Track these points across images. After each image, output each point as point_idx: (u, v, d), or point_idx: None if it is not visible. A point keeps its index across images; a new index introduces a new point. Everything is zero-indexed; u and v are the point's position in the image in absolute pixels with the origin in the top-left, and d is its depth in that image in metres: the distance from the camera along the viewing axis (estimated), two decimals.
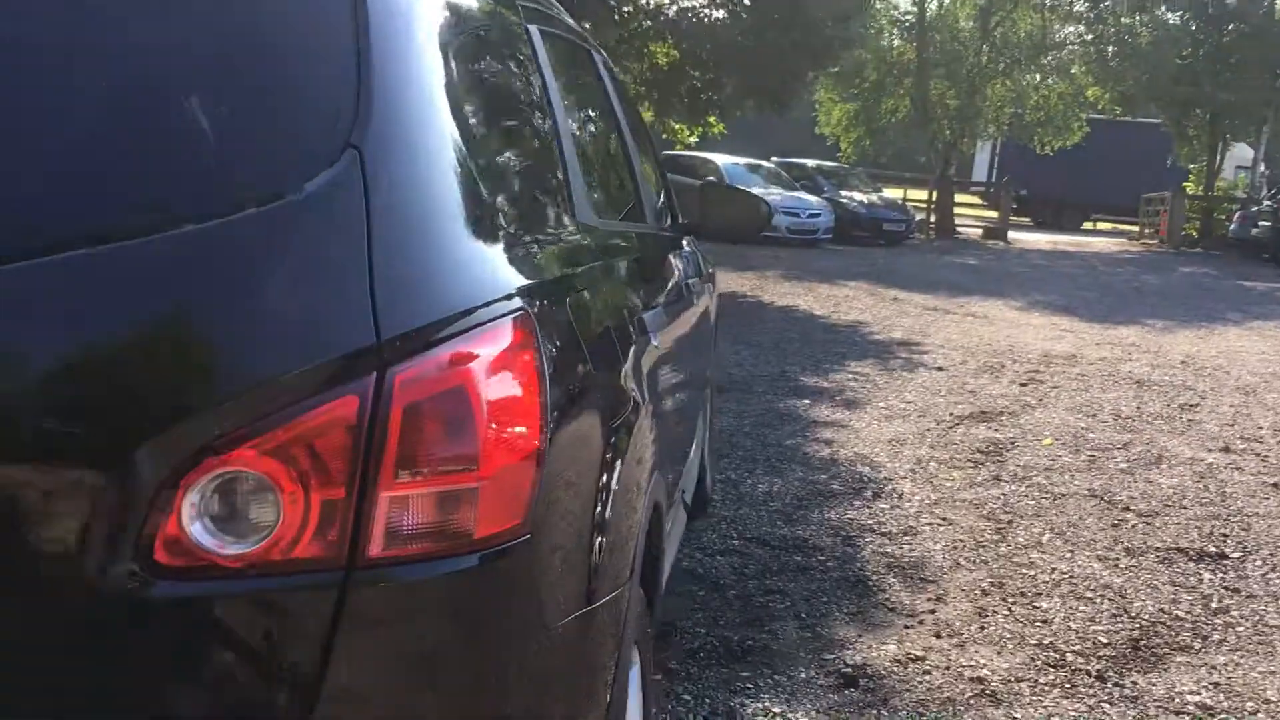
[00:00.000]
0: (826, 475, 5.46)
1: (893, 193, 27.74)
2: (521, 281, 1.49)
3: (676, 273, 3.24)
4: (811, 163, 25.38)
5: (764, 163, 22.96)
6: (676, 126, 17.12)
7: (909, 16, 27.25)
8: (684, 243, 3.95)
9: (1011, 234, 27.52)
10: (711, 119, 16.03)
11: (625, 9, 14.14)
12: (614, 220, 2.58)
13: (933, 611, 3.82)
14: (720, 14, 14.49)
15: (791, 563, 4.25)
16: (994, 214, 30.70)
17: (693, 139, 18.30)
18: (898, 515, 4.87)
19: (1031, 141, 29.18)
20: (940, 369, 8.54)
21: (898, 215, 23.69)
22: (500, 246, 1.51)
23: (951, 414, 6.91)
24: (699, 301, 3.69)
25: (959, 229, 28.52)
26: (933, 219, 27.72)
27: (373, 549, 1.22)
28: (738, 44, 13.33)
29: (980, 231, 28.20)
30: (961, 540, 4.58)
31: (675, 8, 14.94)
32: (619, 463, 1.73)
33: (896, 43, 27.88)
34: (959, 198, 31.13)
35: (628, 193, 3.02)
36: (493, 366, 1.33)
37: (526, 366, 1.41)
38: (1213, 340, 10.87)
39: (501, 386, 1.34)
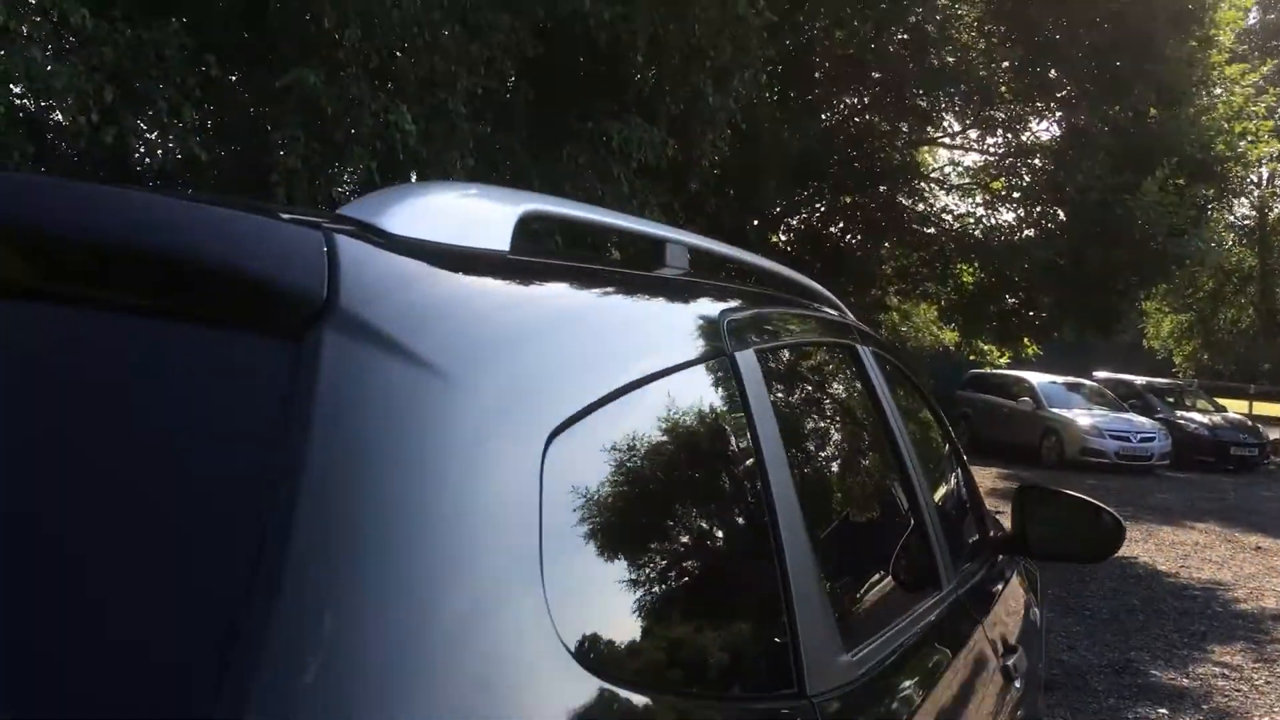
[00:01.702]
0: None
1: (1233, 406, 24.83)
2: None
3: (984, 655, 2.26)
4: (1140, 379, 23.13)
5: (1085, 380, 21.09)
6: (985, 347, 15.93)
7: (1247, 221, 24.95)
8: (995, 566, 2.96)
9: None
10: (1025, 341, 14.76)
11: (928, 230, 13.41)
12: (875, 639, 1.65)
13: None
14: (1030, 232, 13.46)
15: None
16: None
17: (1004, 360, 17.00)
18: None
19: None
20: None
21: (1248, 438, 20.91)
22: None
23: None
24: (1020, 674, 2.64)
25: None
26: None
27: None
28: (1054, 264, 12.21)
29: None
30: None
31: (982, 227, 14.03)
32: None
33: (1234, 249, 25.53)
34: None
35: (914, 561, 2.12)
36: None
37: None
38: None
39: None
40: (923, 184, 13.97)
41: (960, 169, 16.29)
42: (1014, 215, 13.62)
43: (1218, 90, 14.02)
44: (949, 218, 14.46)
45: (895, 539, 2.11)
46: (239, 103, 7.16)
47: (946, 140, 15.80)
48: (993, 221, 14.00)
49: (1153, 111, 12.85)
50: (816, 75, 12.97)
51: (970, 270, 13.87)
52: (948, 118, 15.24)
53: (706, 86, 8.78)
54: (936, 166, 15.89)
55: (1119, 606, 8.27)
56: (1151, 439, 18.95)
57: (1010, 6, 14.56)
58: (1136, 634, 7.37)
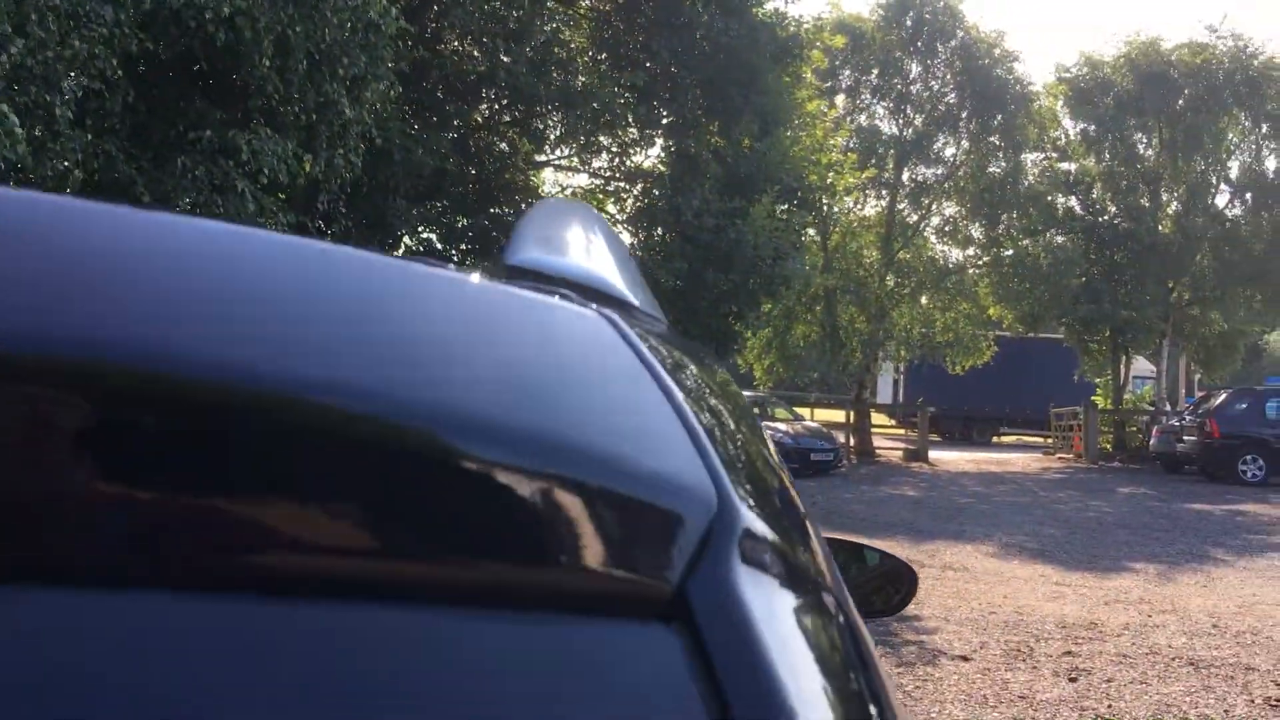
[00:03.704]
0: None
1: (802, 412, 27.27)
2: None
3: None
4: None
5: None
6: None
7: (813, 244, 27.46)
8: None
9: (930, 453, 27.11)
10: None
11: None
12: None
13: None
14: (649, 255, 13.85)
15: None
16: (902, 431, 30.50)
17: None
18: None
19: (944, 361, 29.25)
20: (964, 658, 7.36)
21: (825, 444, 22.95)
22: None
23: None
24: None
25: (878, 450, 28.00)
26: (853, 442, 27.20)
27: None
28: (674, 286, 12.60)
29: (900, 453, 27.70)
30: None
31: None
32: None
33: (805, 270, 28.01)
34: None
35: None
36: None
37: None
38: (1219, 589, 10.00)
39: None
40: None
41: (569, 191, 16.53)
42: (631, 238, 13.94)
43: (801, 124, 15.17)
44: None
45: None
46: None
47: (558, 162, 15.95)
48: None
49: (746, 142, 13.66)
50: (438, 92, 12.58)
51: None
52: (559, 140, 15.38)
53: (340, 96, 8.14)
54: (548, 193, 15.99)
55: None
56: None
57: (610, 35, 14.95)
58: None
